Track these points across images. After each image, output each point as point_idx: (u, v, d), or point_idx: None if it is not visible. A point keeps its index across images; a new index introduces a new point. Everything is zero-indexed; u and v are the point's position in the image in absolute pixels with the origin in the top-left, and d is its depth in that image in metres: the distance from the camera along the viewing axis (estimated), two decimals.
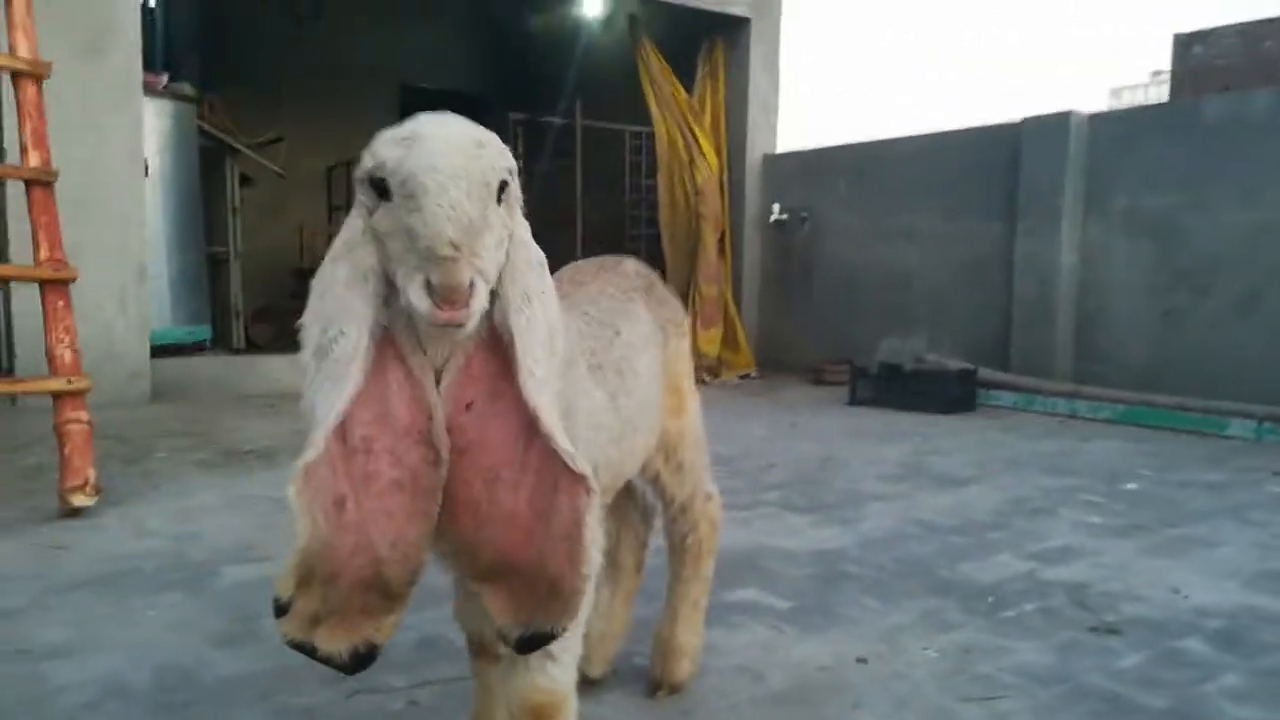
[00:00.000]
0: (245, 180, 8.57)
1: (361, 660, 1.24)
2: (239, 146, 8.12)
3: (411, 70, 11.72)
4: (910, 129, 7.86)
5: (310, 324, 1.24)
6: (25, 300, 5.63)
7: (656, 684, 2.07)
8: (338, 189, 10.97)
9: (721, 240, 8.43)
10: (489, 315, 1.24)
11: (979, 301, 7.12)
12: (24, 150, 3.61)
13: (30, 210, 3.61)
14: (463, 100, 11.88)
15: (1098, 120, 6.46)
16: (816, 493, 3.99)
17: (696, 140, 8.28)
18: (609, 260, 1.99)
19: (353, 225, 1.24)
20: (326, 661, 1.23)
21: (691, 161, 8.25)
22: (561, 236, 7.73)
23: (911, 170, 7.61)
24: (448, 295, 1.10)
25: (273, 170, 8.82)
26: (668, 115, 8.31)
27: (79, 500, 3.39)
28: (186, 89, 7.28)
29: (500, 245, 1.22)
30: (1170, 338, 6.07)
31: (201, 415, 5.72)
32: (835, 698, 2.08)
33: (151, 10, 9.83)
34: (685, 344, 2.04)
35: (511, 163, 1.25)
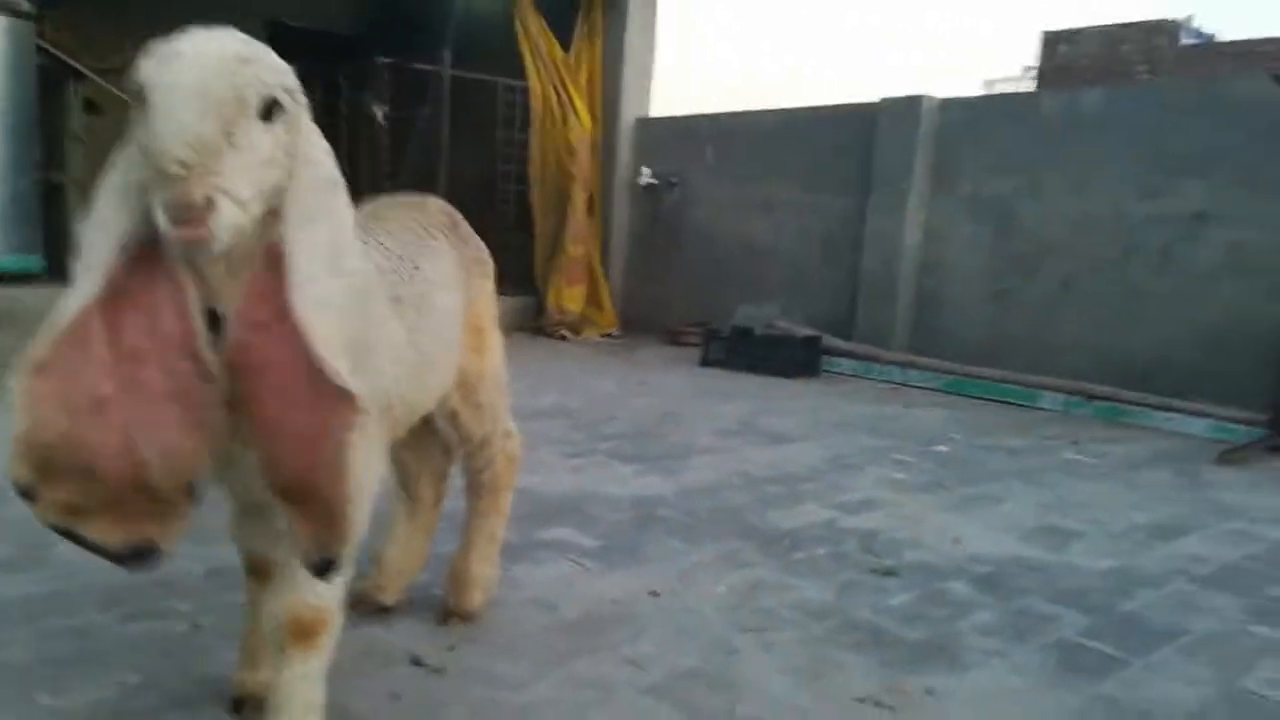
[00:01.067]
0: (92, 107, 8.09)
1: (140, 556, 1.31)
2: (84, 71, 7.66)
3: (279, 5, 11.23)
4: (777, 102, 8.01)
5: (81, 236, 1.28)
6: None
7: (448, 612, 2.13)
8: None
9: (590, 200, 8.46)
10: (273, 234, 1.27)
11: (830, 274, 7.39)
12: None
13: None
14: (333, 41, 11.49)
15: (948, 106, 6.76)
16: (649, 445, 4.11)
17: (571, 99, 8.26)
18: (413, 198, 2.02)
19: (131, 136, 1.25)
20: (98, 550, 1.30)
21: (565, 120, 8.23)
22: (428, 188, 7.63)
23: (775, 143, 7.79)
24: (177, 214, 1.13)
25: (124, 99, 8.35)
26: (543, 71, 8.25)
27: None
28: (23, 4, 6.80)
29: (270, 164, 1.23)
30: (1000, 317, 6.45)
31: (19, 345, 5.43)
32: (621, 627, 2.19)
33: None
34: (489, 284, 2.09)
35: (287, 80, 1.27)
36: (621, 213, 8.96)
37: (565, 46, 8.40)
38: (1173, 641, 2.30)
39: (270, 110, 1.22)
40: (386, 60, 7.55)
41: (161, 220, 1.16)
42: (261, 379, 1.28)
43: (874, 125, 7.00)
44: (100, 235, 1.26)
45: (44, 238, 6.91)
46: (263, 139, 1.21)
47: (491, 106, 8.91)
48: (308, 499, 1.29)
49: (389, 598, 2.14)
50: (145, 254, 1.26)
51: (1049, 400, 5.65)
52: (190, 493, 1.32)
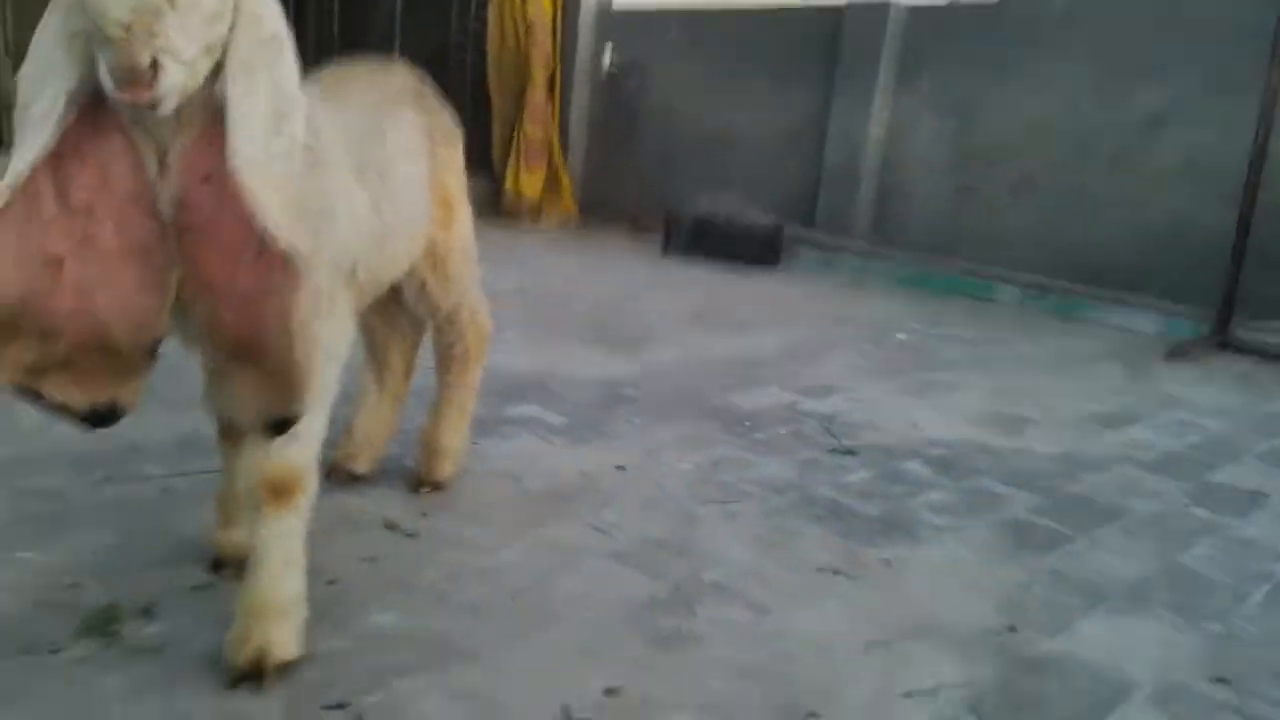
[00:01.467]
0: None
1: (102, 417, 1.31)
2: None
3: None
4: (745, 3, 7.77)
5: (22, 79, 1.23)
6: None
7: (419, 481, 2.16)
8: None
9: (551, 82, 8.24)
10: (213, 89, 1.22)
11: (793, 167, 7.34)
12: None
13: None
14: None
15: (916, 11, 6.67)
16: (611, 330, 4.12)
17: None
18: (377, 64, 1.95)
19: None
20: (61, 410, 1.29)
21: None
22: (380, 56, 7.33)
23: (742, 38, 7.65)
24: (122, 76, 1.11)
25: None
26: None
27: None
28: None
29: (214, 19, 1.19)
30: (960, 211, 6.49)
31: None
32: (587, 497, 2.24)
33: None
34: (456, 154, 2.04)
35: None
36: (581, 99, 8.75)
37: None
38: (1117, 520, 2.41)
39: None
40: None
41: (106, 82, 1.13)
42: (204, 237, 1.26)
43: (840, 25, 6.92)
44: (45, 87, 1.21)
45: None
46: None
47: None
48: (256, 359, 1.29)
49: (361, 466, 2.16)
50: (93, 106, 1.22)
51: (1005, 293, 5.75)
52: (151, 352, 1.32)
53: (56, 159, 1.22)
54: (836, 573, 1.99)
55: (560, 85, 8.43)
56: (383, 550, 1.87)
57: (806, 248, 6.77)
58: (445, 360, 2.16)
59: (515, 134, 8.05)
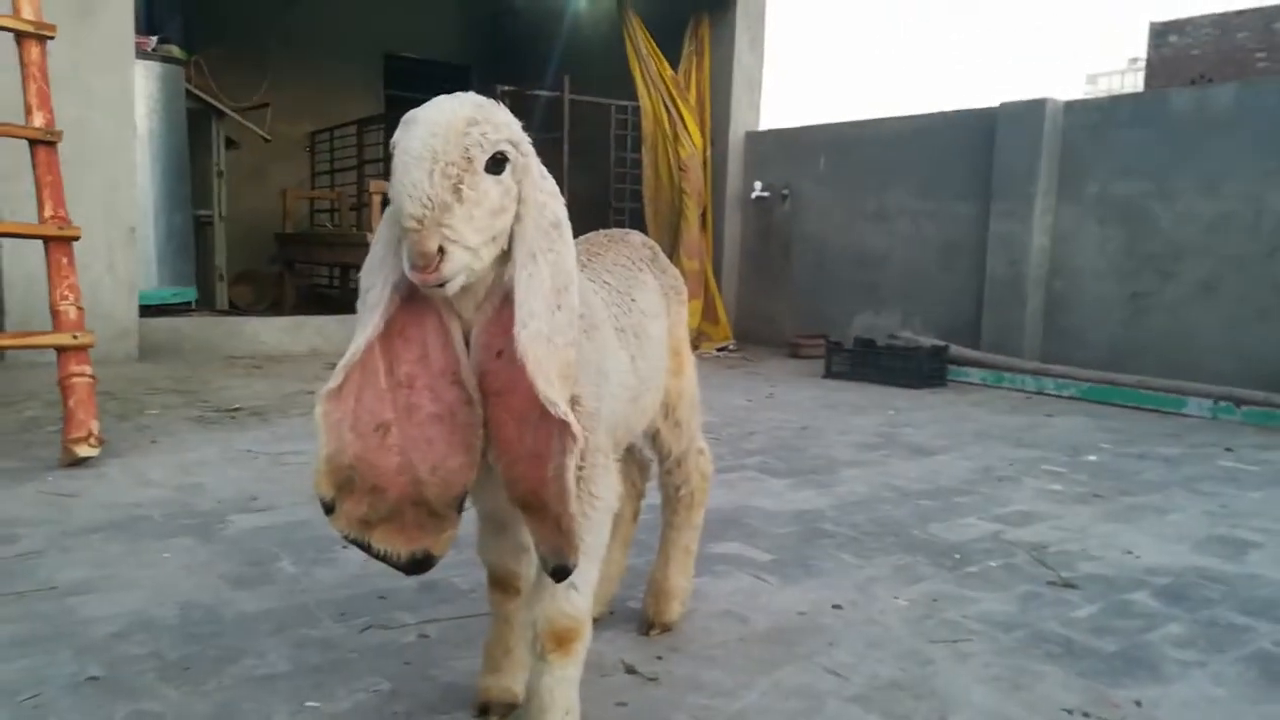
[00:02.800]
0: (230, 143, 8.59)
1: (419, 565, 1.48)
2: (225, 110, 8.13)
3: (395, 38, 11.70)
4: (890, 110, 8.00)
5: (362, 279, 1.47)
6: (16, 260, 5.68)
7: (649, 623, 2.23)
8: (319, 154, 10.97)
9: (704, 215, 8.57)
10: (504, 272, 1.41)
11: (952, 281, 7.32)
12: (29, 110, 3.68)
13: (35, 170, 3.68)
14: (446, 70, 11.87)
15: (1072, 108, 6.64)
16: (794, 458, 4.17)
17: (681, 116, 8.40)
18: (616, 233, 2.14)
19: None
20: (383, 558, 1.47)
21: (676, 137, 8.37)
22: None
23: (890, 151, 7.77)
24: (415, 261, 1.29)
25: (258, 135, 8.83)
26: (653, 91, 8.41)
27: (83, 451, 3.50)
28: (175, 51, 7.28)
29: (500, 212, 1.36)
30: (1135, 320, 6.30)
31: (189, 374, 5.80)
32: (813, 638, 2.26)
33: None
34: (684, 310, 2.19)
35: (514, 134, 1.39)
36: (733, 226, 9.05)
37: (674, 65, 8.54)
38: None
39: (497, 163, 1.35)
40: (506, 88, 7.79)
41: (405, 266, 1.32)
42: (501, 403, 1.41)
43: (993, 129, 6.93)
44: (377, 278, 1.43)
45: (195, 270, 7.35)
46: (491, 190, 1.34)
47: (604, 128, 9.10)
48: (540, 511, 1.41)
49: (595, 610, 2.23)
50: (414, 293, 1.42)
51: (1195, 405, 5.49)
52: (459, 506, 1.47)
53: (387, 340, 1.42)
54: (1086, 715, 1.93)
55: (712, 215, 8.75)
56: (630, 695, 1.93)
57: (974, 366, 6.67)
58: (673, 503, 2.26)
59: None
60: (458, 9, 12.31)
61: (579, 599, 1.54)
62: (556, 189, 1.50)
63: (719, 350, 8.26)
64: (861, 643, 2.24)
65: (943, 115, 7.43)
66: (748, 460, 4.10)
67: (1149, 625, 2.41)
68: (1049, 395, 6.16)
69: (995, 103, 7.00)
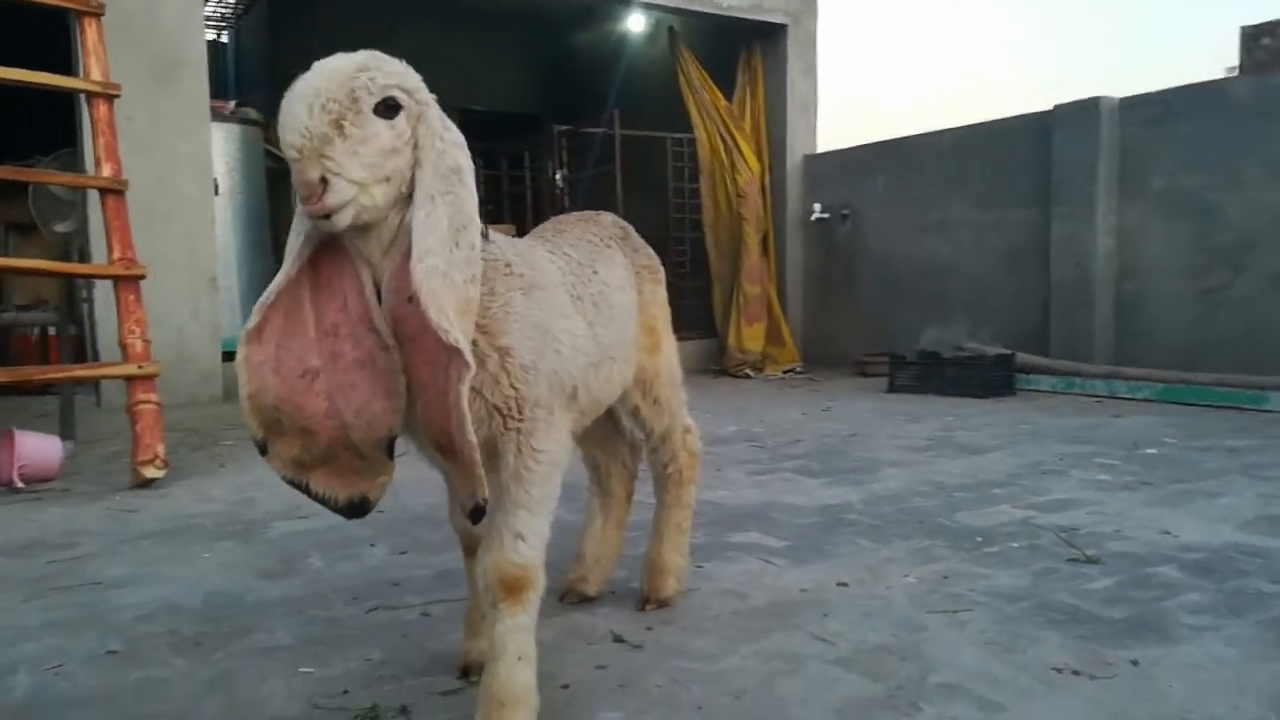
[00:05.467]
0: None
1: (356, 508, 1.58)
2: None
3: (465, 93, 12.16)
4: (946, 122, 7.88)
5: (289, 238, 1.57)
6: (107, 303, 6.09)
7: (645, 599, 2.27)
8: None
9: (764, 240, 8.61)
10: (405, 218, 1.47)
11: (1018, 289, 7.16)
12: (98, 162, 4.00)
13: (104, 215, 4.00)
14: (518, 120, 12.29)
15: (1128, 104, 6.48)
16: (836, 461, 4.14)
17: (737, 145, 8.49)
18: (588, 213, 2.23)
19: None
20: (323, 500, 1.57)
21: (732, 166, 8.46)
22: None
23: (947, 161, 7.70)
24: (300, 191, 1.37)
25: None
26: (708, 122, 8.54)
27: (149, 472, 3.73)
28: (252, 114, 7.75)
29: (391, 154, 1.43)
30: (1208, 316, 6.06)
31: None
32: (809, 611, 2.26)
33: (221, 42, 10.43)
34: (660, 289, 2.25)
35: (407, 83, 1.47)
36: (795, 249, 9.05)
37: (728, 95, 8.66)
38: None
39: (390, 108, 1.43)
40: (561, 128, 8.04)
41: (297, 200, 1.40)
42: (415, 347, 1.48)
43: (1049, 132, 6.81)
44: (294, 234, 1.54)
45: None
46: (382, 131, 1.42)
47: (661, 160, 9.26)
48: (454, 454, 1.46)
49: (591, 588, 2.30)
50: (331, 246, 1.52)
51: (1277, 401, 5.23)
52: (388, 451, 1.54)
53: (315, 291, 1.52)
54: (1077, 673, 1.88)
55: (773, 240, 8.78)
56: (611, 659, 1.98)
57: (1042, 373, 6.50)
58: (662, 481, 2.31)
59: (734, 294, 8.39)
60: (524, 60, 12.74)
61: (526, 549, 1.60)
62: (462, 140, 1.56)
63: (785, 372, 8.24)
64: (858, 614, 2.24)
65: (996, 123, 7.34)
66: (786, 464, 4.09)
67: (1167, 594, 2.33)
68: (1121, 399, 5.95)
69: (1049, 106, 6.89)
